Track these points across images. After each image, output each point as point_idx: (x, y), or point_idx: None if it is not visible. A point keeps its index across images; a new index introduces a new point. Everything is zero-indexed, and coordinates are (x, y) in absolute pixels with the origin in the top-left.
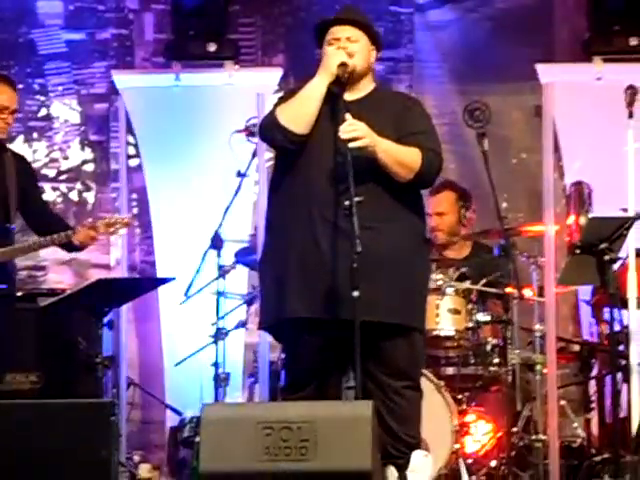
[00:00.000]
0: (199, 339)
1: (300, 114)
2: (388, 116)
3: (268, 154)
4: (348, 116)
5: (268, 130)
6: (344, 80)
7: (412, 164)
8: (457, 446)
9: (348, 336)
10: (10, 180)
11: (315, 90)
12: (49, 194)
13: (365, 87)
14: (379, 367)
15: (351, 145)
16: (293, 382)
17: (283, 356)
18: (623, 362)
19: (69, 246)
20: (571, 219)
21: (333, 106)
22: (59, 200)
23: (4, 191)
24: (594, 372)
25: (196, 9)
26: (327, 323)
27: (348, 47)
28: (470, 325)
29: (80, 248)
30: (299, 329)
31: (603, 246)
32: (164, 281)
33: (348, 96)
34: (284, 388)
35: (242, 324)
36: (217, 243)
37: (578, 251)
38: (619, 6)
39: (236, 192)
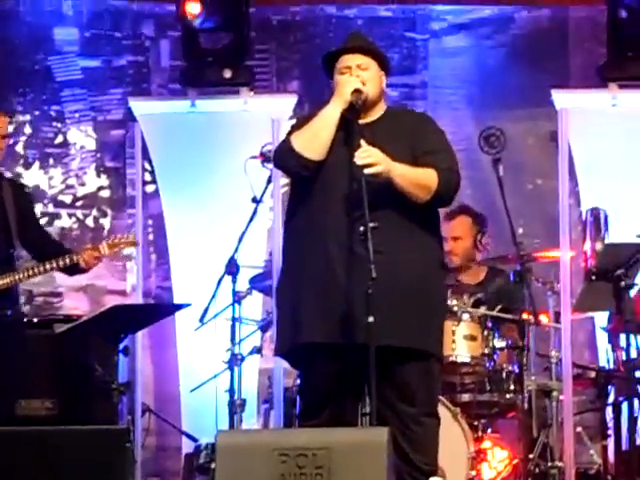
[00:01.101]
0: (214, 365)
1: (314, 141)
2: (402, 136)
3: (283, 180)
4: (363, 142)
5: (282, 157)
6: (358, 107)
7: (429, 185)
8: (473, 473)
9: (364, 362)
10: (9, 206)
11: (329, 117)
12: (65, 220)
13: (378, 111)
14: (395, 393)
15: (366, 171)
16: (308, 408)
17: (298, 382)
18: None
19: (72, 269)
20: (587, 245)
21: (347, 132)
22: (75, 226)
23: (4, 217)
24: (610, 399)
25: (212, 36)
26: (343, 348)
27: (360, 75)
28: (486, 351)
29: (84, 270)
30: (315, 354)
31: (619, 272)
32: (180, 307)
33: (361, 121)
34: (300, 414)
35: (257, 350)
36: (232, 269)
37: (594, 277)
38: (635, 32)
39: (251, 218)
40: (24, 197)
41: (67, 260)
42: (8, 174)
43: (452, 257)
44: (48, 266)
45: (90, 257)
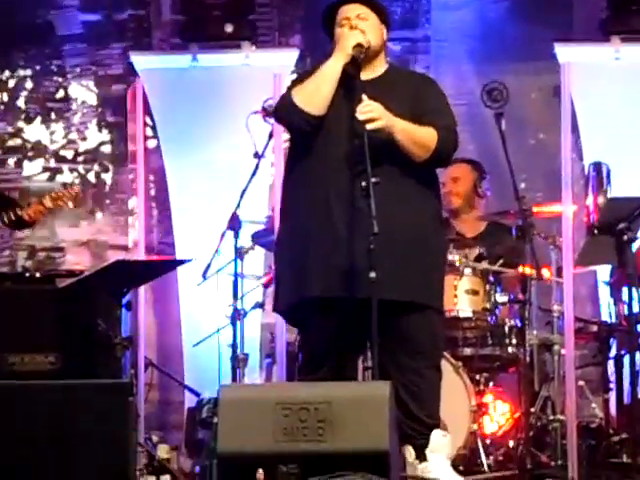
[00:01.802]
0: (217, 320)
1: (316, 95)
2: (403, 95)
3: (285, 135)
4: (364, 97)
5: (284, 112)
6: (360, 61)
7: (428, 143)
8: (475, 426)
9: (365, 316)
10: None
11: (331, 71)
12: (67, 175)
13: (379, 67)
14: (398, 345)
15: (368, 126)
16: (310, 362)
17: (300, 337)
18: None
19: (17, 223)
20: (590, 199)
21: (349, 87)
22: (77, 181)
23: None
24: (612, 352)
25: None
26: (344, 303)
27: (359, 24)
28: (488, 306)
29: (29, 225)
30: (316, 310)
31: (622, 226)
32: (182, 262)
33: (363, 76)
34: (301, 368)
35: (259, 305)
36: (234, 224)
37: (596, 231)
38: None
39: (253, 173)
40: None
41: (11, 215)
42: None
43: (452, 198)
44: None
45: (35, 211)
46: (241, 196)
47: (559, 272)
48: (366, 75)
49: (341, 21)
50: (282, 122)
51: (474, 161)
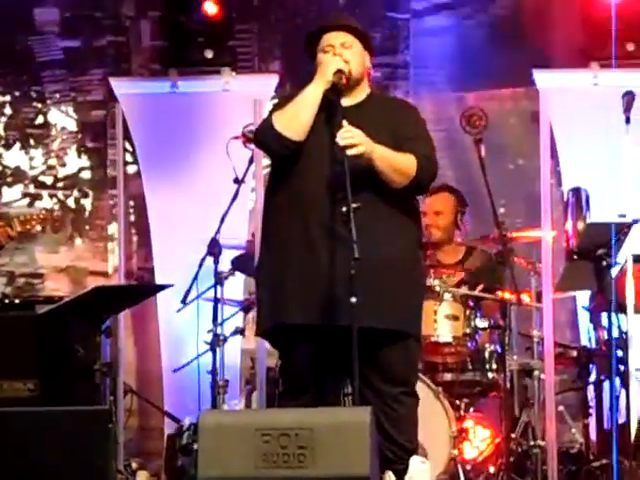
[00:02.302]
0: (197, 346)
1: (295, 120)
2: (384, 121)
3: (265, 161)
4: (345, 123)
5: (263, 136)
6: (341, 87)
7: (408, 170)
8: (455, 452)
9: (345, 343)
10: None
11: (311, 97)
12: (46, 201)
13: (361, 93)
14: (375, 373)
15: (348, 152)
16: (290, 389)
17: (280, 363)
18: (621, 367)
19: None
20: (569, 225)
21: (330, 113)
22: (56, 207)
23: None
24: (592, 378)
25: (193, 16)
26: (324, 330)
27: (343, 53)
28: (468, 331)
29: None
30: (296, 336)
31: (601, 252)
32: (162, 288)
33: (344, 102)
34: (281, 395)
35: (239, 330)
36: (214, 250)
37: (576, 257)
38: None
39: (233, 199)
40: None
41: None
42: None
43: (433, 230)
44: None
45: (2, 234)
46: (221, 221)
47: (539, 297)
48: (348, 101)
49: (325, 47)
50: (261, 146)
51: (457, 192)
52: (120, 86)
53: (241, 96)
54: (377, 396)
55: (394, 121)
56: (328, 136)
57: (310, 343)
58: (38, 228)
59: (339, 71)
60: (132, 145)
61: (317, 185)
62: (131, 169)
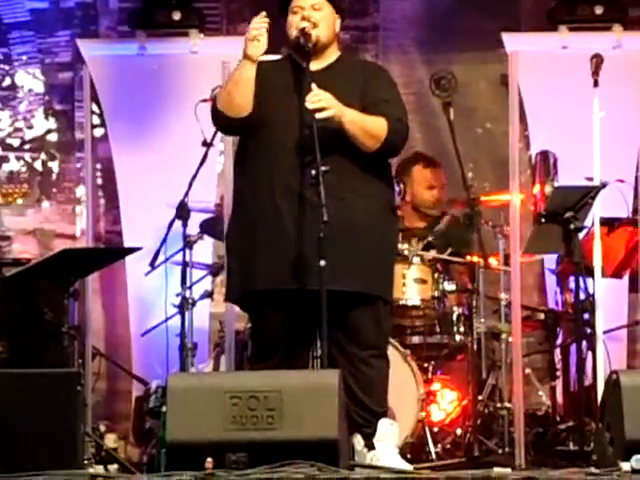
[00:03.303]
0: (165, 309)
1: (231, 101)
2: (354, 84)
3: None
4: (314, 86)
5: (213, 116)
6: (308, 49)
7: (378, 133)
8: (423, 414)
9: (314, 306)
10: None
11: (240, 77)
12: (13, 164)
13: (330, 56)
14: (345, 336)
15: (317, 115)
16: (260, 351)
17: (250, 325)
18: (588, 330)
19: None
20: (536, 188)
21: (298, 77)
22: (23, 170)
23: None
24: (559, 340)
25: None
26: (294, 294)
27: (312, 15)
28: (436, 294)
29: None
30: (266, 301)
31: (568, 215)
32: (130, 251)
33: (313, 65)
34: (250, 357)
35: (208, 294)
36: (183, 213)
37: (543, 220)
38: None
39: (201, 162)
40: None
41: None
42: None
43: (437, 205)
44: None
45: None
46: (189, 185)
47: (506, 261)
48: (317, 64)
49: (293, 8)
50: (214, 126)
51: (438, 163)
52: (88, 48)
53: (209, 58)
54: (346, 359)
55: (364, 84)
56: (297, 100)
57: (280, 308)
58: (19, 202)
59: (302, 31)
60: (100, 108)
61: (286, 150)
62: (99, 132)
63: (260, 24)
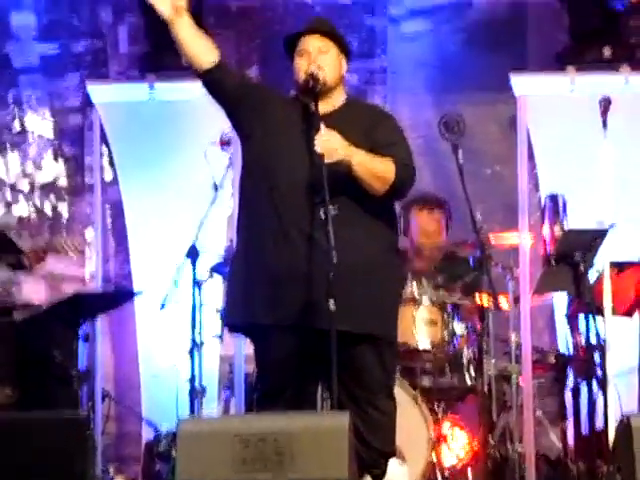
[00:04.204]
0: (175, 351)
1: (186, 56)
2: (361, 128)
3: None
4: (323, 128)
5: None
6: (316, 92)
7: (386, 176)
8: (433, 457)
9: (319, 346)
10: None
11: (174, 36)
12: (23, 207)
13: (337, 99)
14: (350, 377)
15: (327, 158)
16: (267, 393)
17: (255, 363)
18: (599, 372)
19: (16, 267)
20: (546, 230)
21: (306, 118)
22: (33, 213)
23: None
24: (570, 382)
25: None
26: (297, 330)
27: (318, 59)
28: (446, 336)
29: (30, 269)
30: (268, 336)
31: (578, 256)
32: (139, 293)
33: (321, 108)
34: (258, 397)
35: (218, 336)
36: (193, 255)
37: (553, 262)
38: (592, 16)
39: (211, 204)
40: None
41: (12, 259)
42: None
43: (434, 251)
44: None
45: (35, 258)
46: (199, 227)
47: (516, 302)
48: (324, 107)
49: (300, 51)
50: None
51: (448, 209)
52: (97, 92)
53: None
54: (352, 400)
55: (371, 128)
56: (305, 141)
57: (283, 343)
58: (70, 255)
59: (310, 75)
60: (109, 151)
61: (294, 190)
62: (108, 175)
63: None
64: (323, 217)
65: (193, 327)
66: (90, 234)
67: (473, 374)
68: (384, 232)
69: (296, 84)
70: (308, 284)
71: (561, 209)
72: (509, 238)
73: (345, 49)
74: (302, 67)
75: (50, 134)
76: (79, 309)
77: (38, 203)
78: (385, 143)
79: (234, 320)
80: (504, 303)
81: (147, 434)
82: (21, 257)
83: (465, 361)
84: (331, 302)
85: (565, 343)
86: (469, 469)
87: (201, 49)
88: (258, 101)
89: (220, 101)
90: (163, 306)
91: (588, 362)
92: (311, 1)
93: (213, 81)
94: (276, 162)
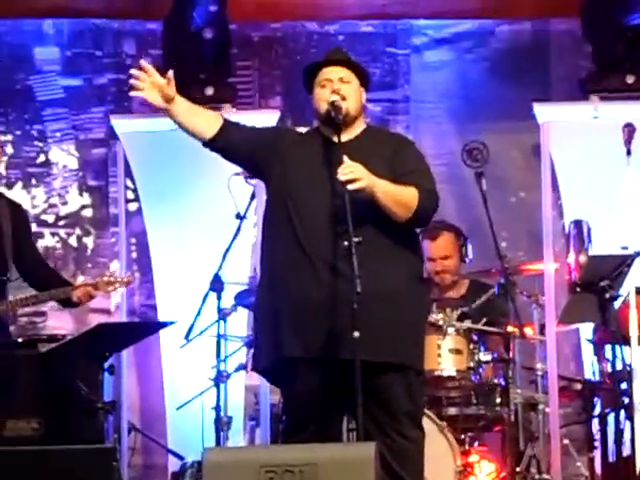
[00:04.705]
0: (200, 382)
1: (192, 135)
2: (383, 156)
3: (265, 195)
4: (345, 158)
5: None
6: (339, 122)
7: (410, 203)
8: None
9: (345, 376)
10: (6, 228)
11: (174, 121)
12: (48, 240)
13: (357, 127)
14: (377, 407)
15: (349, 187)
16: (293, 424)
17: (281, 397)
18: (626, 400)
19: (66, 302)
20: (571, 257)
21: (328, 148)
22: (58, 246)
23: (0, 241)
24: (597, 411)
25: (194, 54)
26: (324, 363)
27: (341, 88)
28: (472, 365)
29: (77, 304)
30: (295, 370)
31: (604, 284)
32: (165, 325)
33: (342, 137)
34: (284, 430)
35: (243, 367)
36: (217, 286)
37: (578, 289)
38: (615, 44)
39: (235, 234)
40: (22, 219)
41: (61, 294)
42: (8, 193)
43: (444, 276)
44: (41, 297)
45: (85, 294)
46: (223, 257)
47: (542, 330)
48: (345, 136)
49: (321, 81)
50: None
51: (455, 228)
52: (121, 124)
53: None
54: (379, 430)
55: (393, 155)
56: (327, 172)
57: (310, 376)
58: (120, 290)
59: (332, 104)
60: (133, 182)
61: (317, 221)
62: (132, 206)
63: (136, 75)
64: (347, 246)
65: (218, 357)
66: (115, 265)
67: (499, 403)
68: (408, 260)
69: (317, 114)
70: (333, 314)
71: (586, 235)
72: (534, 265)
73: (366, 80)
74: (324, 97)
75: (75, 166)
76: (104, 341)
77: (63, 235)
78: (407, 170)
79: (261, 365)
80: (529, 331)
81: (173, 466)
82: (71, 293)
83: (491, 390)
84: (356, 333)
85: (592, 370)
86: None
87: (201, 125)
88: (271, 144)
89: (234, 161)
90: (188, 337)
91: (615, 390)
92: (334, 31)
93: (219, 148)
94: (297, 194)
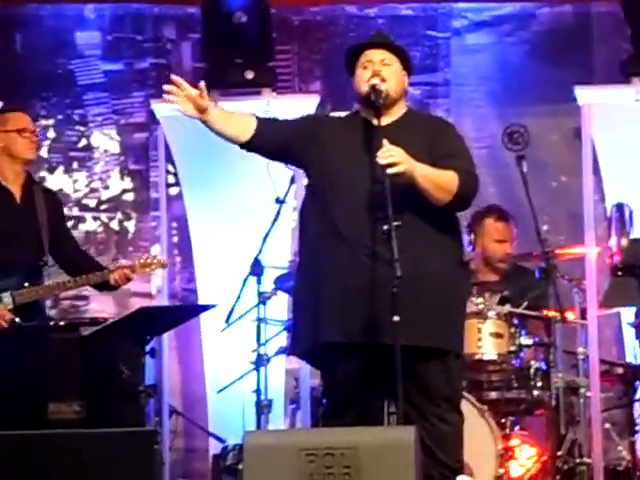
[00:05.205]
0: (241, 366)
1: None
2: (422, 139)
3: (306, 180)
4: (385, 142)
5: None
6: (378, 104)
7: (450, 187)
8: (502, 471)
9: (385, 361)
10: (41, 216)
11: (211, 129)
12: (90, 224)
13: (398, 111)
14: (417, 392)
15: (389, 171)
16: (333, 408)
17: (322, 381)
18: None
19: (103, 285)
20: (612, 241)
21: (367, 132)
22: (100, 230)
23: (36, 227)
24: (638, 394)
25: (234, 37)
26: (364, 348)
27: (383, 70)
28: (513, 349)
29: (115, 288)
30: (336, 354)
31: None
32: (205, 308)
33: (382, 120)
34: (325, 414)
35: (283, 350)
36: (257, 270)
37: (620, 273)
38: None
39: (275, 218)
40: (57, 206)
41: (98, 277)
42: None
43: (507, 259)
44: (79, 281)
45: (122, 277)
46: (263, 241)
47: (583, 314)
48: (385, 119)
49: (364, 63)
50: None
51: (512, 216)
52: (162, 108)
53: (282, 116)
54: (419, 414)
55: (432, 138)
56: (367, 156)
57: (351, 361)
58: (157, 271)
59: (372, 87)
60: (174, 167)
61: (357, 205)
62: (173, 191)
63: (169, 90)
64: (386, 230)
65: (258, 341)
66: (156, 250)
67: (541, 387)
68: (449, 244)
69: (358, 96)
70: (372, 299)
71: (627, 219)
72: (575, 249)
73: (408, 63)
74: (364, 78)
75: (116, 150)
76: (146, 324)
77: (105, 219)
78: (447, 153)
79: (301, 349)
80: (571, 315)
81: (214, 449)
82: (108, 276)
83: (532, 374)
84: (395, 317)
85: (633, 354)
86: None
87: (236, 129)
88: (308, 133)
89: (272, 158)
90: (228, 321)
91: None
92: (373, 14)
93: (256, 148)
94: (337, 178)
